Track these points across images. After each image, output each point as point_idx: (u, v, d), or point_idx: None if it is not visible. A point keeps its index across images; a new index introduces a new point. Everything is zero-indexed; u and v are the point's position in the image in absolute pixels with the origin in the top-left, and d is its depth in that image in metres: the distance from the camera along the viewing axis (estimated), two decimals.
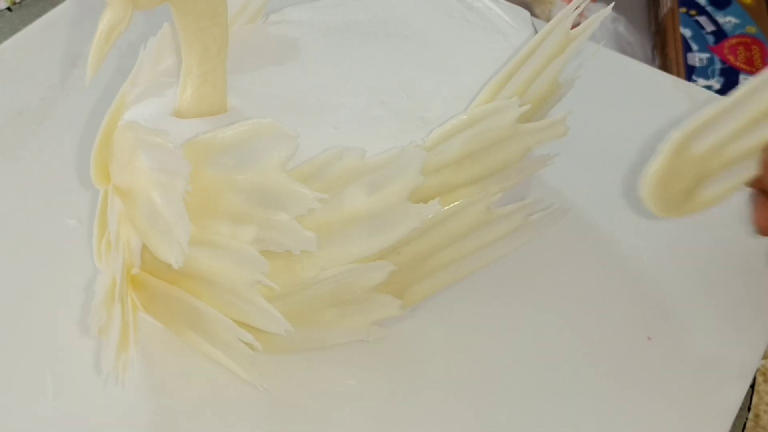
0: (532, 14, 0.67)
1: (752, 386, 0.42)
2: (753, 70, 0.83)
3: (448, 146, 0.38)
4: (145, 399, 0.41)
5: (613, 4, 0.45)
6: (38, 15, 0.58)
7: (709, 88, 0.82)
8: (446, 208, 0.39)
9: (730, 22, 0.87)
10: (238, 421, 0.40)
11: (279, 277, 0.37)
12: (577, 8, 0.42)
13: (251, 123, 0.35)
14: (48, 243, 0.46)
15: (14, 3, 0.65)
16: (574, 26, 0.42)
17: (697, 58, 0.84)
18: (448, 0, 0.47)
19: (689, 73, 0.82)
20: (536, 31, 0.44)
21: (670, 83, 0.58)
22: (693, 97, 0.55)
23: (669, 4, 0.91)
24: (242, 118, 0.37)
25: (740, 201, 0.50)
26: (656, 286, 0.46)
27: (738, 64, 0.83)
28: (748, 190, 0.46)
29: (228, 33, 0.38)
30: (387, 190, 0.36)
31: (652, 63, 0.84)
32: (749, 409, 0.42)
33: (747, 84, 0.42)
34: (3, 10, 0.61)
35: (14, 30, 0.58)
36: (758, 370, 0.45)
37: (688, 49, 0.84)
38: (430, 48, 0.44)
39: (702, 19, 0.87)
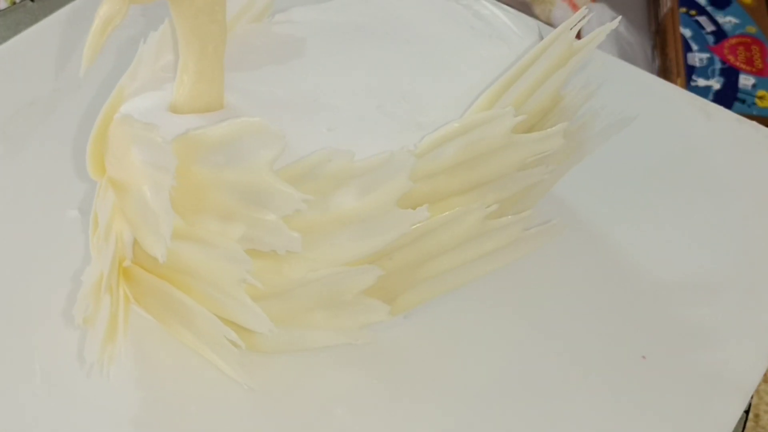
0: (532, 14, 0.67)
1: None
2: (753, 70, 0.83)
3: (441, 153, 0.38)
4: (132, 392, 0.40)
5: (619, 18, 0.45)
6: (61, 5, 0.58)
7: (709, 88, 0.82)
8: (440, 216, 0.39)
9: (730, 22, 0.87)
10: (222, 418, 0.40)
11: (266, 277, 0.37)
12: (581, 20, 0.41)
13: (239, 121, 0.35)
14: (47, 232, 0.46)
15: (14, 3, 0.65)
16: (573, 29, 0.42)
17: (697, 58, 0.83)
18: (456, 6, 0.47)
19: (689, 73, 0.82)
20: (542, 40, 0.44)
21: (686, 99, 0.56)
22: (709, 115, 0.54)
23: (669, 4, 0.90)
24: (236, 116, 0.37)
25: (741, 215, 0.50)
26: (654, 298, 0.45)
27: (738, 64, 0.83)
28: None
29: (226, 31, 0.38)
30: (376, 193, 0.36)
31: (652, 63, 0.84)
32: (748, 410, 0.42)
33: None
34: (25, 0, 0.61)
35: (35, 20, 0.58)
36: None
37: (688, 49, 0.84)
38: (433, 53, 0.44)
39: (702, 19, 0.87)
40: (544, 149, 0.40)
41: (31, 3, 0.60)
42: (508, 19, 0.45)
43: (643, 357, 0.42)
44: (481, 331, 0.43)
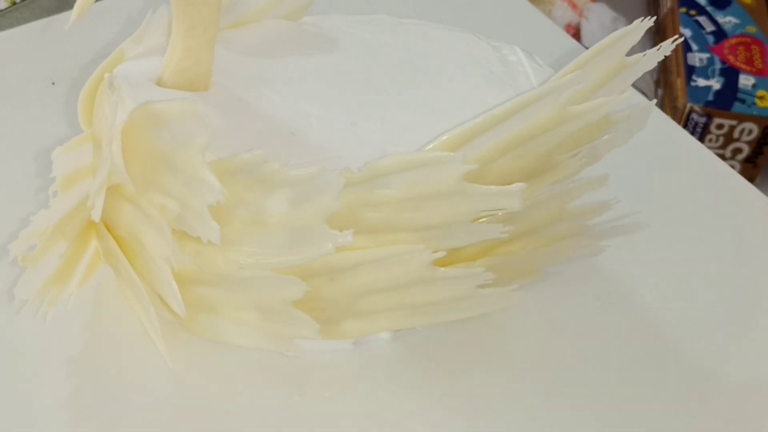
0: None
1: None
2: (753, 70, 0.83)
3: (385, 183, 0.37)
4: (63, 338, 0.41)
5: (654, 101, 0.43)
6: None
7: (709, 88, 0.82)
8: (383, 248, 0.38)
9: (730, 22, 0.87)
10: (139, 384, 0.40)
11: (200, 263, 0.38)
12: (571, 83, 0.39)
13: (179, 103, 0.36)
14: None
15: (14, 3, 0.65)
16: (572, 28, 0.41)
17: (697, 58, 0.84)
18: (484, 47, 0.46)
19: (689, 73, 0.82)
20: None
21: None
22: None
23: (669, 4, 0.91)
24: (216, 99, 0.39)
25: (748, 242, 0.49)
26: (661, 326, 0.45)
27: (738, 64, 0.83)
28: None
29: (219, 14, 0.39)
30: (305, 206, 0.36)
31: None
32: None
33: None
34: None
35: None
36: None
37: (688, 49, 0.84)
38: (436, 87, 0.43)
39: (702, 19, 0.87)
40: (500, 206, 0.38)
41: None
42: (532, 70, 0.44)
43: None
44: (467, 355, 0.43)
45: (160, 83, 0.40)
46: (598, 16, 0.92)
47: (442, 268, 0.38)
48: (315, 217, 0.36)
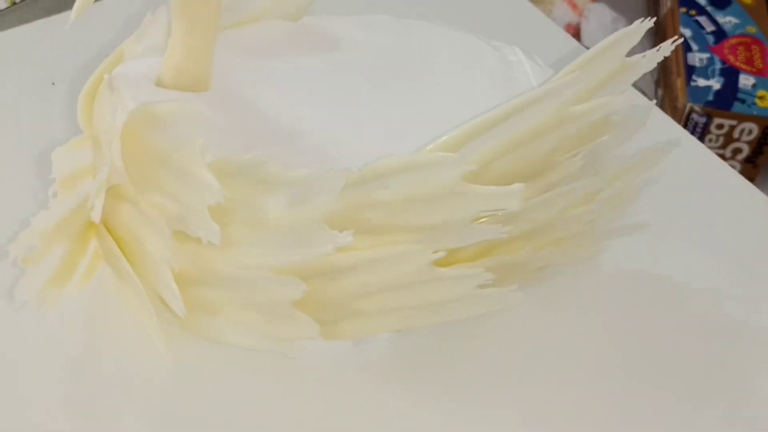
0: None
1: None
2: (753, 70, 0.83)
3: (384, 184, 0.37)
4: (64, 338, 0.41)
5: (654, 101, 0.42)
6: None
7: (709, 88, 0.82)
8: (382, 249, 0.38)
9: (730, 22, 0.87)
10: (138, 381, 0.40)
11: (197, 262, 0.38)
12: (565, 83, 0.38)
13: (178, 104, 0.36)
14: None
15: (14, 3, 0.65)
16: (572, 28, 0.41)
17: (697, 58, 0.84)
18: (484, 48, 0.46)
19: (689, 73, 0.82)
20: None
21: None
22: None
23: (669, 4, 0.91)
24: (215, 99, 0.39)
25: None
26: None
27: (738, 64, 0.83)
28: None
29: (218, 15, 0.39)
30: (304, 206, 0.36)
31: None
32: None
33: None
34: None
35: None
36: None
37: (688, 49, 0.84)
38: (435, 87, 0.43)
39: (702, 19, 0.87)
40: (499, 206, 0.38)
41: None
42: (531, 70, 0.44)
43: None
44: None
45: (159, 83, 0.40)
46: (598, 16, 0.92)
47: (442, 269, 0.38)
48: (314, 217, 0.36)
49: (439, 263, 0.38)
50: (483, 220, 0.39)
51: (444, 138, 0.38)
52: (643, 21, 0.39)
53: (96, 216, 0.37)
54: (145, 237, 0.38)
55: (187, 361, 0.41)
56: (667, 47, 0.39)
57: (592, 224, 0.43)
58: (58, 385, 0.40)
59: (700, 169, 0.53)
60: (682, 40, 0.41)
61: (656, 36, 0.89)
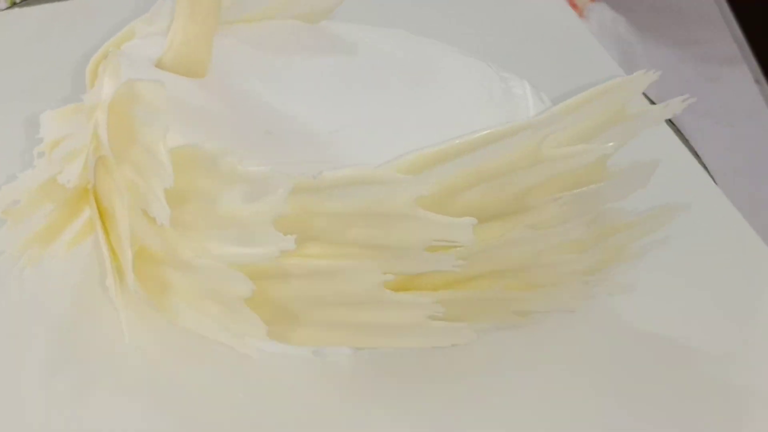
0: None
1: None
2: None
3: (336, 194, 0.36)
4: (47, 300, 0.42)
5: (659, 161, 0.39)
6: None
7: None
8: (333, 261, 0.38)
9: None
10: (106, 355, 0.40)
11: (163, 244, 0.39)
12: (550, 125, 0.37)
13: (154, 85, 0.36)
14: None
15: (14, 3, 0.65)
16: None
17: None
18: (492, 75, 0.45)
19: None
20: None
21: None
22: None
23: None
24: (207, 87, 0.40)
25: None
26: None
27: None
28: None
29: (219, 5, 0.40)
30: (256, 205, 0.36)
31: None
32: None
33: None
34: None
35: None
36: None
37: None
38: (428, 104, 0.43)
39: None
40: (450, 237, 0.37)
41: None
42: (534, 105, 0.43)
43: None
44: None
45: (159, 65, 0.41)
46: (598, 16, 0.92)
47: (392, 292, 0.38)
48: (263, 217, 0.36)
49: (395, 287, 0.38)
50: (442, 251, 0.38)
51: (409, 157, 0.36)
52: (645, 73, 0.37)
53: (63, 179, 0.38)
54: (117, 209, 0.39)
55: (152, 337, 0.41)
56: (675, 105, 0.38)
57: (583, 276, 0.41)
58: (37, 346, 0.40)
59: (699, 176, 0.52)
60: (694, 100, 0.38)
61: None
